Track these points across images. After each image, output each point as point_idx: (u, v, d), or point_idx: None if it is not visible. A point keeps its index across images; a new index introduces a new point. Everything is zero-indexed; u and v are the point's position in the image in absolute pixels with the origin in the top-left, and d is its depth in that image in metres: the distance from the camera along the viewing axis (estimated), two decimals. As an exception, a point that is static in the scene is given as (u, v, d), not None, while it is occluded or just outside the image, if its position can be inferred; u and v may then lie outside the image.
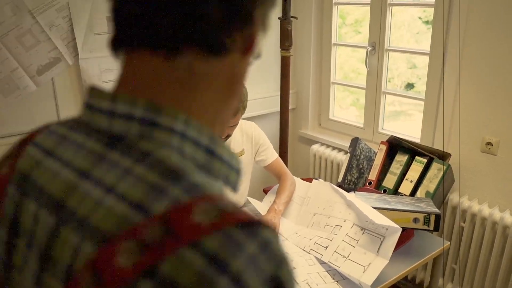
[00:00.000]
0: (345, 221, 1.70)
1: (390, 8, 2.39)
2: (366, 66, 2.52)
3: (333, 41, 2.71)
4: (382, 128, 2.61)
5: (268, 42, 2.77)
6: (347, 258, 1.57)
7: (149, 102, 0.47)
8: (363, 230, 1.63)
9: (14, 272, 0.51)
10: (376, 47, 2.47)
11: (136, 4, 0.46)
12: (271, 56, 2.82)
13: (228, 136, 1.86)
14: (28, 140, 0.57)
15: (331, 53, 2.73)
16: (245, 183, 2.10)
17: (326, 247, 1.64)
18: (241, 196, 2.10)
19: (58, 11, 2.04)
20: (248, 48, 0.51)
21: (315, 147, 2.80)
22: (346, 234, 1.64)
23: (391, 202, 1.79)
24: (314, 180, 2.03)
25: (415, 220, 1.65)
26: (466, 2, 1.99)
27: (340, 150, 2.71)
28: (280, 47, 2.46)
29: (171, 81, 0.48)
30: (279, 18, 2.42)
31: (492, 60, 1.98)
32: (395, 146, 2.21)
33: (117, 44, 0.49)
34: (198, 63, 0.47)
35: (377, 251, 1.54)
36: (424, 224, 1.65)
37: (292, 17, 2.40)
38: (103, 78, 2.19)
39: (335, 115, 2.89)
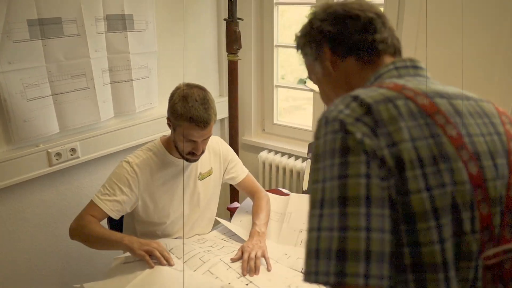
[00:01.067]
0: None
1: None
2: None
3: (275, 42, 2.60)
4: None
5: (204, 46, 2.56)
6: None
7: None
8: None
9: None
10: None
11: None
12: (208, 60, 2.62)
13: (202, 152, 1.64)
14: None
15: (273, 55, 2.62)
16: (214, 205, 1.88)
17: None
18: (210, 220, 1.88)
19: (-36, 14, 1.62)
20: None
21: (264, 154, 2.66)
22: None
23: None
24: (292, 194, 1.90)
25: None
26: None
27: (290, 155, 2.62)
28: (227, 51, 2.27)
29: None
30: (225, 19, 2.23)
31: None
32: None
33: None
34: None
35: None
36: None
37: (239, 18, 2.23)
38: (28, 95, 1.80)
39: (279, 119, 2.79)
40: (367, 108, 0.71)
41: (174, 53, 2.39)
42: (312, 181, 0.72)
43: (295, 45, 1.01)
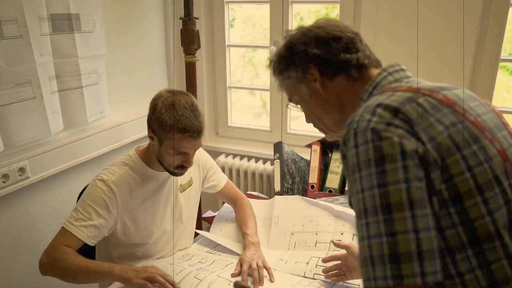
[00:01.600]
0: (342, 233, 1.56)
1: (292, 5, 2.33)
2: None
3: (227, 42, 2.50)
4: (290, 129, 2.55)
5: (153, 47, 2.39)
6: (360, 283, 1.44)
7: None
8: (366, 238, 1.52)
9: None
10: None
11: None
12: (156, 64, 2.44)
13: (190, 165, 1.49)
14: None
15: (225, 55, 2.52)
16: (195, 217, 1.75)
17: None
18: (191, 233, 1.75)
19: None
20: None
21: (222, 159, 2.55)
22: (350, 248, 1.51)
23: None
24: (276, 197, 1.83)
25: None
26: None
27: (250, 157, 2.54)
28: (185, 52, 2.13)
29: None
30: (180, 18, 2.09)
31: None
32: (327, 144, 2.17)
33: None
34: None
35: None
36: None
37: (195, 17, 2.11)
38: (-34, 108, 1.51)
39: (233, 121, 2.70)
40: (395, 111, 0.75)
41: (123, 56, 2.19)
42: (353, 192, 0.76)
43: (270, 70, 1.04)
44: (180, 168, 1.47)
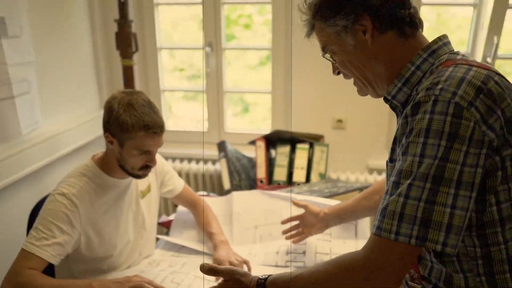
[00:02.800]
0: (305, 220, 1.65)
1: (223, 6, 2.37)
2: (207, 67, 2.42)
3: (158, 44, 2.46)
4: (228, 128, 2.59)
5: (80, 54, 2.27)
6: (331, 254, 1.54)
7: None
8: (329, 222, 1.62)
9: None
10: (214, 47, 2.40)
11: None
12: (86, 69, 2.33)
13: (155, 164, 1.46)
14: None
15: (157, 58, 2.48)
16: (156, 223, 1.71)
17: (304, 252, 1.56)
18: (154, 239, 1.71)
19: None
20: None
21: (161, 163, 2.51)
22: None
23: (319, 191, 1.85)
24: (233, 192, 1.86)
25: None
26: None
27: (182, 159, 2.54)
28: (121, 55, 2.07)
29: None
30: (115, 20, 2.03)
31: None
32: (271, 140, 2.25)
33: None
34: None
35: (355, 235, 1.58)
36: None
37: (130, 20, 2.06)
38: None
39: (167, 124, 2.66)
40: (478, 89, 0.78)
41: (52, 62, 2.05)
42: (409, 153, 0.79)
43: (308, 16, 0.98)
44: (144, 169, 1.44)
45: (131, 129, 1.33)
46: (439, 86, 0.80)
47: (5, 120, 1.77)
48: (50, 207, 1.35)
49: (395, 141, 0.90)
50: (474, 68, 0.83)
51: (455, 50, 0.94)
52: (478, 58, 2.18)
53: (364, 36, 0.93)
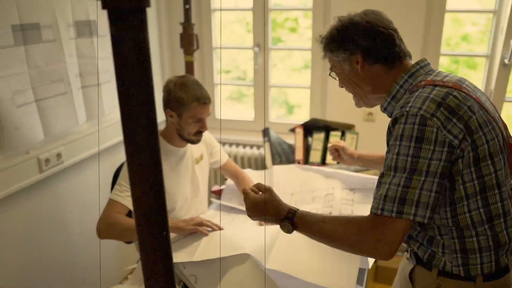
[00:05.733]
0: (333, 188, 1.97)
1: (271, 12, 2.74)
2: (255, 64, 2.80)
3: (213, 44, 2.87)
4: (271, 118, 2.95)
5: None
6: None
7: None
8: (353, 190, 1.94)
9: None
10: (261, 47, 2.78)
11: None
12: (152, 63, 2.76)
13: (206, 129, 1.83)
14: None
15: (212, 56, 2.89)
16: (206, 186, 2.09)
17: (330, 213, 1.88)
18: (206, 201, 2.08)
19: (-43, 20, 1.56)
20: None
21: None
22: (341, 198, 1.92)
23: (347, 169, 2.16)
24: (274, 166, 2.20)
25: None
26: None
27: (238, 144, 2.91)
28: (184, 52, 2.48)
29: None
30: (181, 23, 2.44)
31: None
32: (308, 128, 2.58)
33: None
34: None
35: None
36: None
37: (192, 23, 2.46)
38: (17, 101, 1.77)
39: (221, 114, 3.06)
40: (439, 104, 1.04)
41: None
42: (391, 153, 1.07)
43: (322, 46, 1.30)
44: (198, 135, 1.82)
45: (186, 102, 1.72)
46: (409, 104, 1.07)
47: (93, 102, 2.22)
48: (130, 166, 1.75)
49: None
50: (437, 88, 1.09)
51: (430, 69, 1.22)
52: (497, 59, 2.42)
53: (357, 65, 1.23)
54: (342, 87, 1.34)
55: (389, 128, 1.13)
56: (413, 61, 1.25)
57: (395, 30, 1.23)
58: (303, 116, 3.04)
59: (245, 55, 3.07)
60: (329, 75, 1.36)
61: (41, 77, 1.90)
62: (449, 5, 2.42)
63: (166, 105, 1.78)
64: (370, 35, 1.20)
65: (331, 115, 2.70)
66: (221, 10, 2.85)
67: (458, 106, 1.05)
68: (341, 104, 2.68)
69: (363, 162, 1.83)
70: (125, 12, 0.46)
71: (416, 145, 1.02)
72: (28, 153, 1.86)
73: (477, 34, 2.60)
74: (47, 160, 1.94)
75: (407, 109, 1.06)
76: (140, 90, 0.49)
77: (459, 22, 2.65)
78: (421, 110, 1.03)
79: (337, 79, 1.33)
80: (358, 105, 1.35)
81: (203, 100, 1.74)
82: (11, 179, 1.78)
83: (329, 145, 1.91)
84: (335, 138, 2.49)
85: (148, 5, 0.47)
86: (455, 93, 1.08)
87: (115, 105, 2.35)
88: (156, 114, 0.51)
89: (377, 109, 2.63)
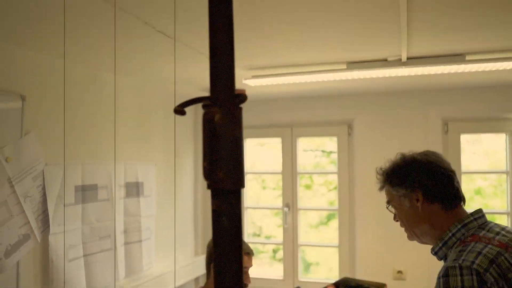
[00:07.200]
0: None
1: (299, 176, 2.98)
2: (285, 224, 2.93)
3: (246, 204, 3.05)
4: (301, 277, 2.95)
5: (182, 214, 2.87)
6: None
7: None
8: None
9: None
10: (291, 207, 2.94)
11: None
12: (185, 219, 2.90)
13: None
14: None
15: (244, 214, 3.04)
16: None
17: None
18: None
19: (34, 180, 1.77)
20: None
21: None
22: None
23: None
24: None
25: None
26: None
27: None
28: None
29: None
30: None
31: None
32: (339, 286, 2.57)
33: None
34: None
35: None
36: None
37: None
38: (69, 255, 1.87)
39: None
40: (491, 261, 1.09)
41: (166, 216, 2.65)
42: None
43: (381, 177, 1.33)
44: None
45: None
46: (462, 257, 1.11)
47: (134, 258, 2.30)
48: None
49: None
50: (489, 246, 1.13)
51: (484, 222, 1.26)
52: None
53: (417, 203, 1.26)
54: (397, 221, 1.36)
55: (438, 278, 1.16)
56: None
57: (454, 173, 1.28)
58: (320, 274, 3.03)
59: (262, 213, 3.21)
60: (387, 208, 1.37)
61: (92, 233, 2.03)
62: (464, 167, 2.65)
63: (211, 260, 1.87)
64: (432, 174, 1.25)
65: (359, 274, 2.70)
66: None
67: (507, 269, 1.09)
68: (368, 262, 2.71)
69: None
70: (224, 192, 0.51)
71: None
72: (70, 309, 1.88)
73: (489, 187, 2.78)
74: (86, 316, 1.94)
75: (460, 262, 1.10)
76: (234, 261, 0.51)
77: (471, 177, 2.85)
78: (474, 264, 1.08)
79: (394, 212, 1.35)
80: (411, 238, 1.35)
81: (245, 250, 1.83)
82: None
83: None
84: (368, 297, 2.46)
85: (242, 186, 0.53)
86: (506, 254, 1.12)
87: (151, 261, 2.42)
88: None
89: (407, 266, 2.66)
